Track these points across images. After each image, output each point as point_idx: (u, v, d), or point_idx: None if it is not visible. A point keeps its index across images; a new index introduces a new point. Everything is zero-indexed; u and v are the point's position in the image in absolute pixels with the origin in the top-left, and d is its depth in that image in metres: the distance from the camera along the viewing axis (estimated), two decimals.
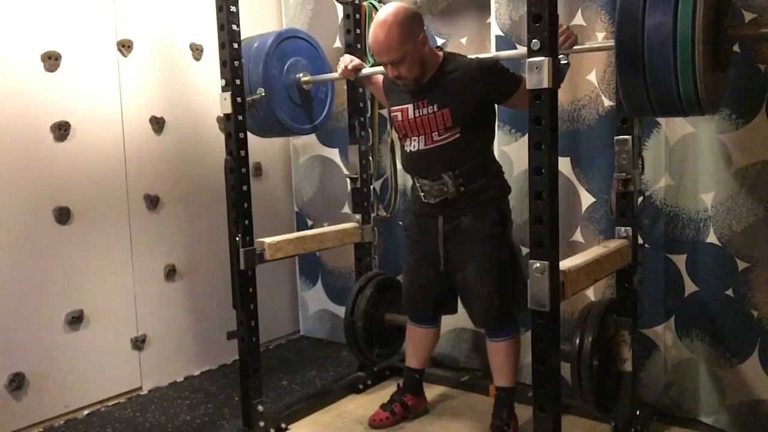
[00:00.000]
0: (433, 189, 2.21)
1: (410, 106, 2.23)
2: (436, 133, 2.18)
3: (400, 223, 3.09)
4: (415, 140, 2.24)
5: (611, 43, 1.77)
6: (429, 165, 2.22)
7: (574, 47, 2.01)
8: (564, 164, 2.52)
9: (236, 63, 2.26)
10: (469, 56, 2.25)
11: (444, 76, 2.19)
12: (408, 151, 2.28)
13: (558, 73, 1.56)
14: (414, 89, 2.21)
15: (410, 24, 2.11)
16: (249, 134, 2.34)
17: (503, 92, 2.17)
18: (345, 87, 2.84)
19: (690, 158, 2.29)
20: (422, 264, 2.33)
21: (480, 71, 2.14)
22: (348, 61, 2.54)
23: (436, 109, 2.17)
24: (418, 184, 2.27)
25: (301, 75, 2.69)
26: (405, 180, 3.06)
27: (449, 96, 2.15)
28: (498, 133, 2.67)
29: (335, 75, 2.63)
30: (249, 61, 2.47)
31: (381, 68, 2.34)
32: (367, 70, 2.54)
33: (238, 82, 2.26)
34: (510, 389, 2.26)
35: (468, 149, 2.18)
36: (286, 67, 2.64)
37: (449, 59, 2.22)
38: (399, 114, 2.27)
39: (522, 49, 1.94)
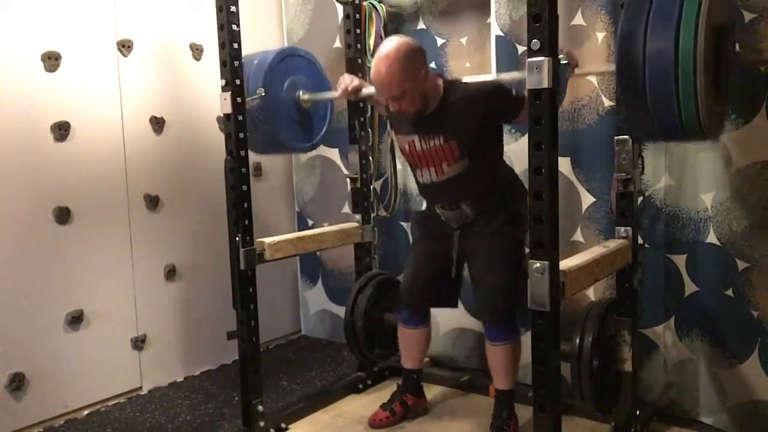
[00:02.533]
0: (453, 216, 2.28)
1: (416, 138, 2.24)
2: (446, 164, 2.21)
3: (401, 223, 3.10)
4: (426, 172, 2.27)
5: (612, 68, 1.76)
6: (446, 196, 2.27)
7: (575, 71, 2.00)
8: (564, 164, 2.52)
9: (236, 63, 2.26)
10: (468, 81, 2.24)
11: (447, 107, 2.18)
12: (421, 182, 2.32)
13: (558, 73, 1.56)
14: (418, 121, 2.20)
15: (412, 59, 2.10)
16: (251, 152, 2.34)
17: (506, 115, 2.20)
18: None
19: (690, 158, 2.29)
20: (431, 257, 2.35)
21: (481, 99, 2.14)
22: (348, 81, 2.49)
23: (442, 142, 2.18)
24: (438, 211, 2.32)
25: (300, 93, 2.65)
26: (405, 180, 3.07)
27: (454, 128, 2.16)
28: None
29: (335, 94, 2.60)
30: (249, 79, 2.45)
31: None
32: (367, 90, 2.50)
33: (238, 82, 2.26)
34: (509, 391, 2.27)
35: (481, 175, 2.21)
36: (285, 85, 2.60)
37: (450, 88, 2.20)
38: (406, 145, 2.29)
39: (522, 74, 1.93)
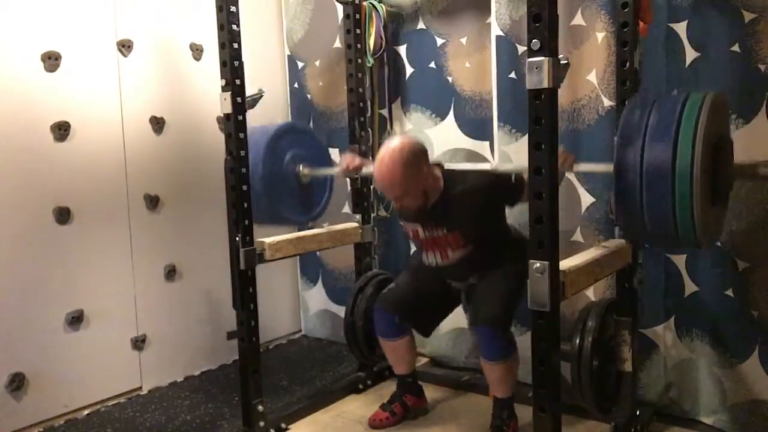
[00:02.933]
0: (460, 285, 2.36)
1: (419, 227, 2.29)
2: (450, 250, 2.26)
3: (401, 223, 3.09)
4: (431, 255, 2.32)
5: (610, 168, 1.79)
6: (453, 275, 2.34)
7: (573, 167, 2.03)
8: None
9: (236, 63, 2.25)
10: (465, 170, 2.28)
11: (448, 201, 2.21)
12: (427, 264, 2.36)
13: (558, 73, 1.56)
14: (420, 212, 2.23)
15: (414, 161, 2.12)
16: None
17: (509, 200, 2.25)
18: (345, 87, 2.85)
19: None
20: (431, 282, 2.39)
21: (481, 193, 2.18)
22: (350, 160, 2.51)
23: (446, 232, 2.24)
24: (444, 279, 2.38)
25: (300, 167, 2.63)
26: None
27: (456, 220, 2.21)
28: (498, 133, 2.68)
29: (335, 171, 2.61)
30: (249, 151, 2.40)
31: None
32: (368, 168, 2.49)
33: (238, 82, 2.26)
34: (508, 398, 2.26)
35: (486, 254, 2.26)
36: (286, 159, 2.59)
37: (450, 181, 2.23)
38: (410, 231, 2.35)
39: (522, 165, 1.96)
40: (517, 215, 2.44)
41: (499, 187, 2.20)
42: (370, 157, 2.73)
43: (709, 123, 1.62)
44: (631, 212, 1.70)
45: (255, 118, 2.46)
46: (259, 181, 2.36)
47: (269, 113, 3.33)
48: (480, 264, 2.27)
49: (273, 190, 2.50)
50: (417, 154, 2.13)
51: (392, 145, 2.13)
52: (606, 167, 1.96)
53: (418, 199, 2.17)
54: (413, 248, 2.90)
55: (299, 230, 2.71)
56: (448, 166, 2.34)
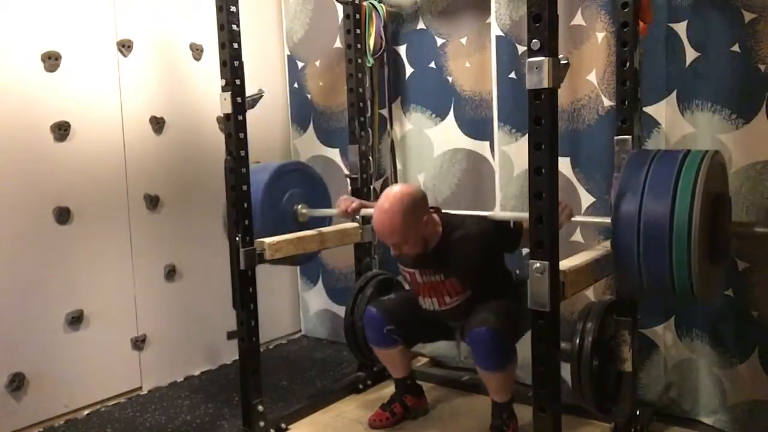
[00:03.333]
0: (456, 324, 2.34)
1: (417, 273, 2.28)
2: (448, 296, 2.26)
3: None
4: (428, 300, 2.31)
5: (607, 220, 1.78)
6: (449, 320, 2.33)
7: (571, 218, 2.05)
8: (564, 164, 2.52)
9: (236, 63, 2.25)
10: (464, 215, 2.27)
11: (446, 248, 2.20)
12: (424, 308, 2.34)
13: (558, 73, 1.56)
14: (418, 258, 2.22)
15: (414, 210, 2.11)
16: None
17: (508, 247, 2.27)
18: (345, 87, 2.85)
19: None
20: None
21: (480, 242, 2.18)
22: (348, 203, 2.47)
23: (443, 278, 2.23)
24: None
25: (299, 207, 2.64)
26: (405, 180, 3.07)
27: (455, 267, 2.20)
28: (498, 133, 2.68)
29: (333, 212, 2.61)
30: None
31: None
32: (366, 210, 2.48)
33: (238, 82, 2.26)
34: (506, 402, 2.25)
35: (484, 298, 2.23)
36: (284, 198, 2.61)
37: (449, 226, 2.22)
38: (408, 275, 2.34)
39: (523, 215, 1.96)
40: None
41: (498, 233, 2.20)
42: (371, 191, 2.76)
43: (708, 180, 1.63)
44: (627, 269, 1.71)
45: (255, 118, 2.46)
46: (257, 219, 2.36)
47: (269, 113, 3.34)
48: (479, 309, 2.21)
49: (271, 230, 2.48)
50: (417, 203, 2.13)
51: (392, 192, 2.13)
52: (604, 220, 1.98)
53: (417, 247, 2.17)
54: None
55: (299, 230, 2.70)
56: (445, 210, 2.34)
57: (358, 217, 2.64)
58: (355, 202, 2.49)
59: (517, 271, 2.39)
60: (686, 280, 1.64)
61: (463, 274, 2.21)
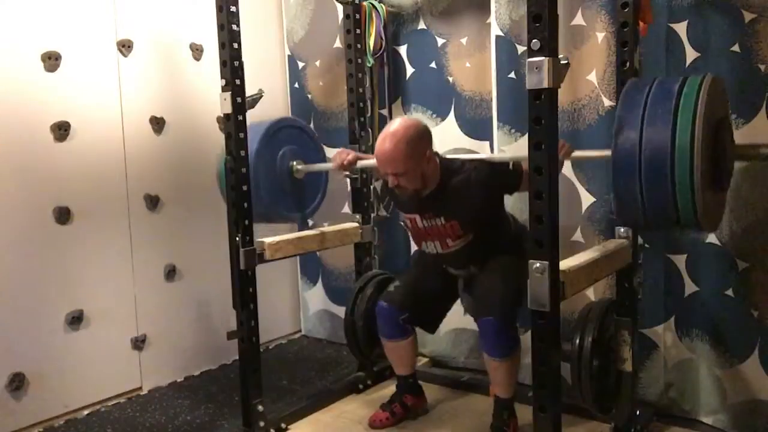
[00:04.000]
0: (460, 272, 2.34)
1: (417, 217, 2.28)
2: (449, 239, 2.25)
3: (401, 223, 3.09)
4: (431, 244, 2.31)
5: (608, 152, 1.77)
6: (452, 263, 2.33)
7: (572, 155, 2.04)
8: (564, 164, 2.51)
9: (236, 63, 2.25)
10: (463, 159, 2.27)
11: (445, 190, 2.20)
12: (427, 252, 2.35)
13: (558, 73, 1.56)
14: (417, 201, 2.22)
15: (419, 141, 2.12)
16: None
17: (507, 190, 2.25)
18: (345, 87, 2.85)
19: None
20: (434, 277, 2.39)
21: (479, 183, 2.17)
22: (344, 156, 2.46)
23: (443, 221, 2.22)
24: (443, 266, 2.36)
25: (294, 164, 2.62)
26: None
27: (454, 210, 2.20)
28: (498, 133, 2.68)
29: (329, 166, 2.60)
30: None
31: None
32: (362, 162, 2.48)
33: (238, 82, 2.26)
34: (509, 398, 2.26)
35: (486, 242, 2.25)
36: (279, 155, 2.59)
37: (448, 170, 2.22)
38: (408, 222, 2.34)
39: (521, 155, 1.93)
40: (518, 211, 2.44)
41: (497, 175, 2.18)
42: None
43: (709, 104, 1.60)
44: (630, 198, 1.68)
45: (255, 118, 2.46)
46: (252, 176, 2.35)
47: (269, 113, 3.32)
48: (480, 253, 2.27)
49: (267, 186, 2.49)
50: (422, 135, 2.14)
51: (399, 120, 2.15)
52: (604, 153, 1.94)
53: (415, 182, 2.15)
54: (414, 247, 2.91)
55: (300, 230, 2.71)
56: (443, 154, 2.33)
57: (353, 173, 2.60)
58: (351, 154, 2.48)
59: (516, 217, 2.38)
60: (690, 207, 1.60)
61: (462, 217, 2.20)
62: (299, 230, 2.68)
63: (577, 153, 2.09)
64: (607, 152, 1.77)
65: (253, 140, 2.46)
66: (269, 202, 2.53)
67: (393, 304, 2.38)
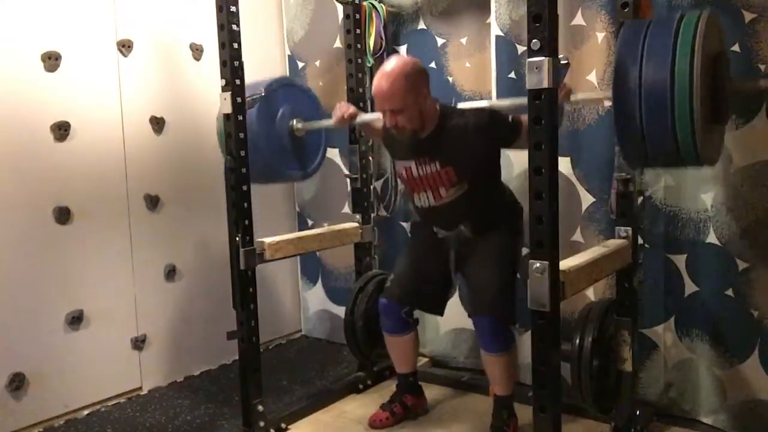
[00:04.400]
0: (450, 234, 2.29)
1: (413, 164, 2.25)
2: (443, 188, 2.22)
3: (401, 223, 3.09)
4: (423, 196, 2.27)
5: (608, 93, 1.76)
6: (443, 220, 2.29)
7: (570, 98, 2.02)
8: (564, 164, 2.52)
9: (236, 63, 2.26)
10: (461, 107, 2.25)
11: (443, 134, 2.19)
12: (419, 206, 2.32)
13: (558, 73, 1.56)
14: (414, 145, 2.21)
15: (417, 78, 2.12)
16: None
17: (504, 141, 2.21)
18: (345, 87, 2.85)
19: None
20: (428, 251, 2.35)
21: (478, 128, 2.15)
22: (344, 109, 2.48)
23: (439, 167, 2.19)
24: (435, 229, 2.33)
25: (294, 122, 2.63)
26: None
27: (451, 155, 2.17)
28: None
29: (329, 122, 2.59)
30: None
31: (377, 115, 2.29)
32: (362, 117, 2.50)
33: (238, 82, 2.26)
34: (508, 396, 2.26)
35: (478, 198, 2.22)
36: (279, 114, 2.59)
37: (446, 115, 2.21)
38: (403, 171, 2.31)
39: (520, 99, 1.92)
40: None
41: (496, 122, 2.15)
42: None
43: (706, 39, 1.61)
44: (631, 135, 1.68)
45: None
46: (254, 136, 2.35)
47: None
48: (472, 210, 2.22)
49: (268, 146, 2.50)
50: (420, 71, 2.14)
51: (396, 58, 2.14)
52: (605, 95, 1.94)
53: (414, 121, 2.14)
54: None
55: (299, 230, 2.71)
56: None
57: (355, 123, 2.57)
58: (351, 108, 2.49)
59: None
60: (690, 142, 1.61)
61: (459, 162, 2.17)
62: (295, 181, 2.63)
63: (579, 96, 2.07)
64: (608, 93, 1.77)
65: (253, 97, 2.46)
66: (271, 160, 2.54)
67: (393, 298, 2.39)
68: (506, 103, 2.33)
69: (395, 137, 2.24)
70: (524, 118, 1.80)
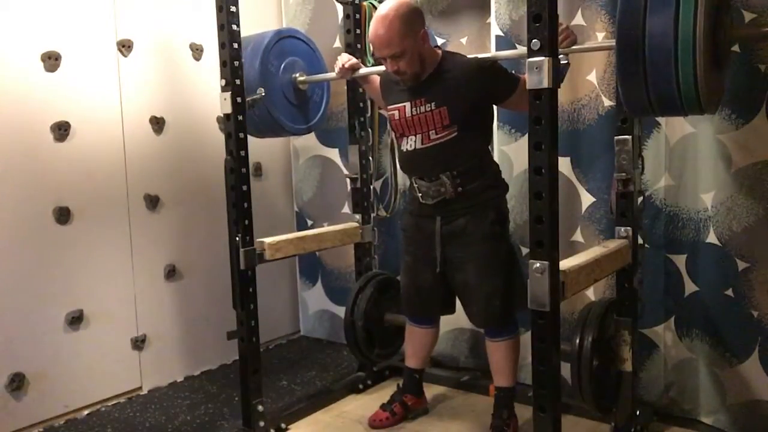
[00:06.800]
0: (430, 190, 2.21)
1: (407, 105, 2.22)
2: (434, 131, 2.18)
3: (400, 222, 3.09)
4: (411, 139, 2.23)
5: (612, 42, 1.77)
6: (426, 165, 2.22)
7: (574, 47, 2.01)
8: (564, 164, 2.52)
9: (236, 63, 2.26)
10: (468, 56, 2.25)
11: (442, 74, 2.18)
12: (404, 150, 2.27)
13: (558, 73, 1.57)
14: (412, 87, 2.21)
15: (412, 19, 2.11)
16: (249, 135, 2.34)
17: (502, 92, 2.17)
18: (345, 87, 2.85)
19: (690, 158, 2.29)
20: (420, 265, 2.32)
21: (478, 71, 2.15)
22: (345, 60, 2.52)
23: (433, 107, 2.17)
24: (415, 185, 2.27)
25: (297, 75, 2.68)
26: (405, 180, 3.05)
27: (447, 94, 2.15)
28: (498, 133, 2.68)
29: (332, 75, 2.62)
30: (246, 58, 2.45)
31: (378, 68, 2.32)
32: (364, 70, 2.53)
33: (238, 82, 2.27)
34: (510, 389, 2.26)
35: (466, 148, 2.18)
36: (282, 66, 2.63)
37: (448, 58, 2.22)
38: (396, 113, 2.27)
39: (521, 49, 1.93)
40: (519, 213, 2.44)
41: (495, 71, 2.16)
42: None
43: None
44: (634, 85, 1.68)
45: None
46: (256, 89, 2.37)
47: None
48: (457, 162, 2.16)
49: (271, 97, 2.52)
50: (414, 11, 2.14)
51: (389, 2, 2.13)
52: (609, 43, 1.93)
53: (414, 64, 2.14)
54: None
55: (299, 230, 2.71)
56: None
57: (355, 75, 2.57)
58: (352, 59, 2.52)
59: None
60: (693, 89, 1.62)
61: (454, 103, 2.15)
62: (297, 135, 2.73)
63: (586, 44, 2.08)
64: (612, 42, 1.77)
65: (256, 50, 2.50)
66: (275, 113, 2.56)
67: (408, 315, 2.48)
68: (502, 54, 2.35)
69: (397, 82, 2.24)
70: (524, 76, 1.81)
